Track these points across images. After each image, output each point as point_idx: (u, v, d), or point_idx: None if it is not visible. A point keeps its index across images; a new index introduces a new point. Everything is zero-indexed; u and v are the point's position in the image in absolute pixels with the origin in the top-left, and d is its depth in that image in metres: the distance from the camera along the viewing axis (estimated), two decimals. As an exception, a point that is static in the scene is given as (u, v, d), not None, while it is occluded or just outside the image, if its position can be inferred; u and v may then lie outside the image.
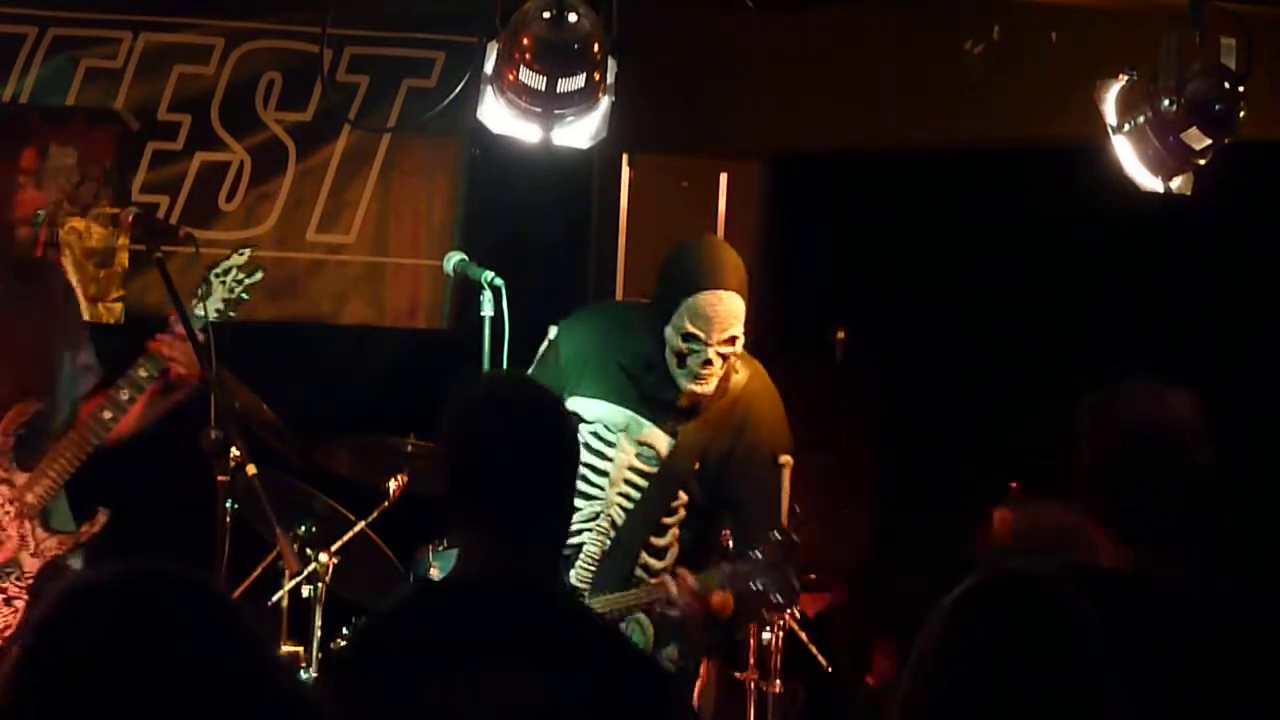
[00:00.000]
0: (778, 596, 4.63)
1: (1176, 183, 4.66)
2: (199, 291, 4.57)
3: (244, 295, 4.61)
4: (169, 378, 4.50)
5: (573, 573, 4.78)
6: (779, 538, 4.65)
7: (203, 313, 4.54)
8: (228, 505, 4.27)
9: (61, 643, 1.63)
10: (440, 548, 5.35)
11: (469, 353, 4.69)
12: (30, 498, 4.46)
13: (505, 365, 4.59)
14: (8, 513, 4.43)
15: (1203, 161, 4.60)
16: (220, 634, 1.64)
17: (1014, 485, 6.83)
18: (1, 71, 5.83)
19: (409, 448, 5.40)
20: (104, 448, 4.52)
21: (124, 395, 4.47)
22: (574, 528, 4.44)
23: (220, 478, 4.26)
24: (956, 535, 6.90)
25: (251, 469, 4.19)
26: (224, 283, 4.58)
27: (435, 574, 5.32)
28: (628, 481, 4.79)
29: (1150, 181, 4.68)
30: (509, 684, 2.70)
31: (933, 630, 2.28)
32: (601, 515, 4.80)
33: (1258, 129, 4.75)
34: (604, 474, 4.77)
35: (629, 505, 4.81)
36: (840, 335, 7.13)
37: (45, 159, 4.65)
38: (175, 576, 1.69)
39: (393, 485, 5.37)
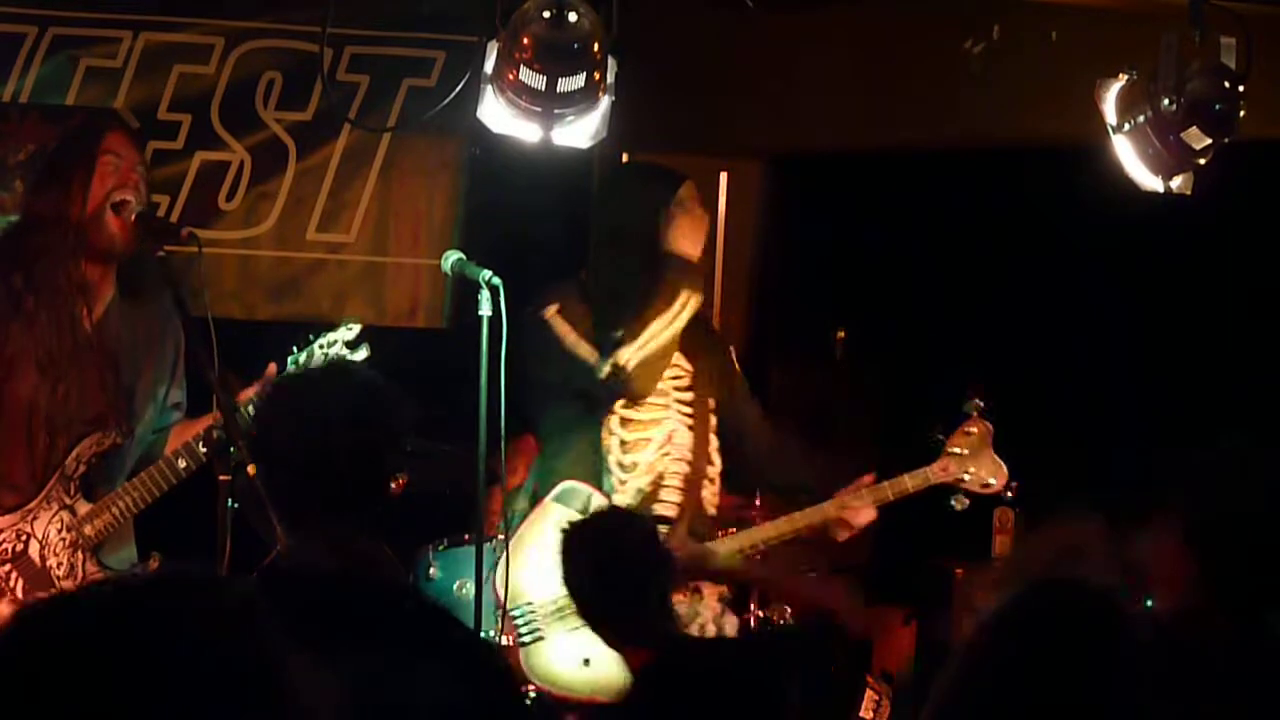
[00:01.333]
0: (990, 480, 5.25)
1: (1176, 182, 4.66)
2: (300, 357, 4.53)
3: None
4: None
5: (664, 495, 5.02)
6: (975, 425, 5.29)
7: None
8: (228, 505, 4.26)
9: (14, 662, 1.60)
10: (441, 547, 5.36)
11: (468, 352, 4.69)
12: (89, 530, 4.41)
13: (504, 365, 4.59)
14: (63, 539, 4.38)
15: (1203, 161, 4.60)
16: (211, 641, 1.62)
17: (1014, 484, 6.83)
18: (2, 71, 5.83)
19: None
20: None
21: (202, 449, 4.42)
22: (651, 455, 4.98)
23: (221, 477, 4.24)
24: (957, 534, 6.91)
25: (252, 468, 4.17)
26: (326, 354, 4.54)
27: (435, 573, 5.32)
28: (679, 401, 5.11)
29: (1150, 181, 4.68)
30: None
31: (975, 640, 2.27)
32: (675, 434, 5.08)
33: (1258, 128, 4.75)
34: (662, 394, 5.07)
35: (689, 422, 5.10)
36: (840, 335, 7.13)
37: (138, 145, 4.55)
38: (168, 576, 1.67)
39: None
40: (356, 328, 4.58)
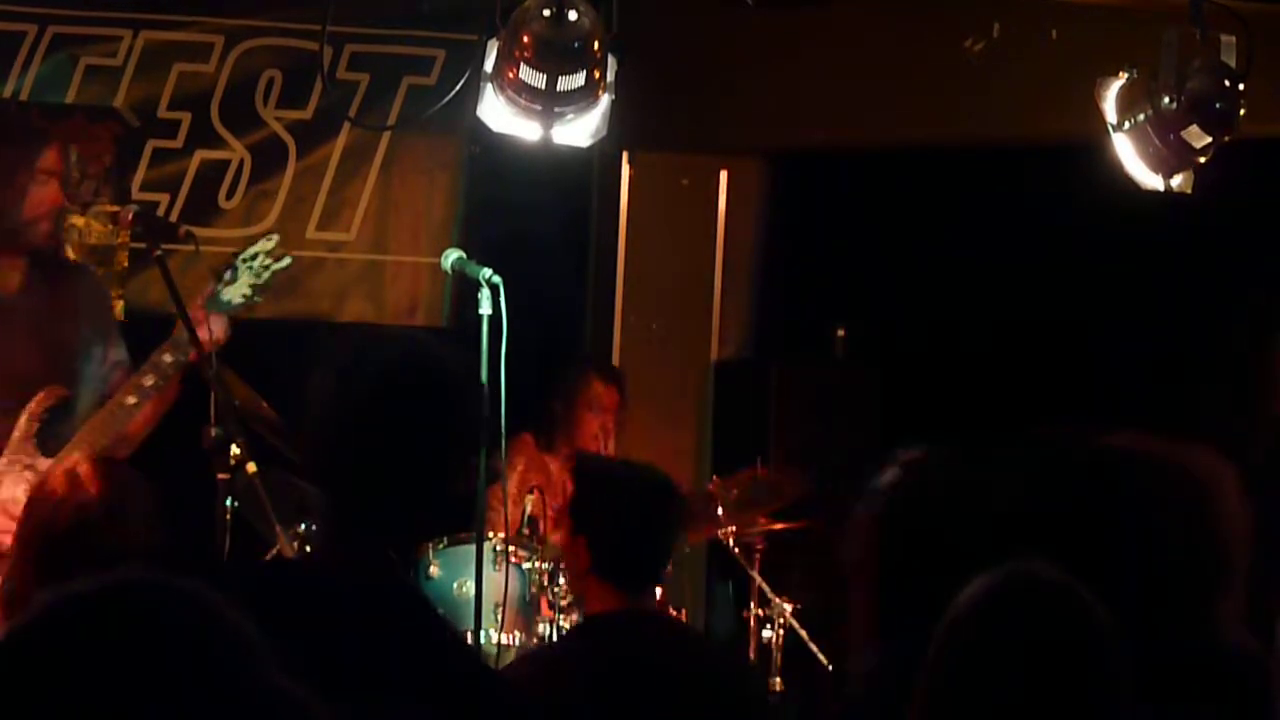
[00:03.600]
0: None
1: (1177, 180, 4.66)
2: (225, 276, 4.57)
3: (269, 282, 4.61)
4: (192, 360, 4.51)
5: None
6: None
7: (227, 298, 4.55)
8: (228, 503, 4.25)
9: (32, 660, 1.60)
10: (441, 546, 5.35)
11: (468, 351, 4.68)
12: None
13: (503, 364, 4.59)
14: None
15: (1203, 159, 4.60)
16: (201, 645, 1.62)
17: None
18: (1, 69, 5.83)
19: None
20: (126, 438, 4.51)
21: (148, 381, 4.46)
22: None
23: (220, 475, 4.24)
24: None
25: (251, 467, 4.16)
26: (251, 268, 4.58)
27: (435, 573, 5.32)
28: None
29: (1151, 179, 4.67)
30: None
31: (947, 630, 2.27)
32: None
33: (1258, 126, 4.75)
34: None
35: None
36: (840, 335, 7.13)
37: (69, 159, 4.66)
38: (155, 586, 1.66)
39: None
40: (276, 238, 4.63)
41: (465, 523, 5.22)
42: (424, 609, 2.56)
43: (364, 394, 2.49)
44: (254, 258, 4.58)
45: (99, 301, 4.76)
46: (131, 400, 4.46)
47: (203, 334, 4.45)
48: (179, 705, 1.55)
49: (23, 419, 4.44)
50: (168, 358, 4.48)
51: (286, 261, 4.62)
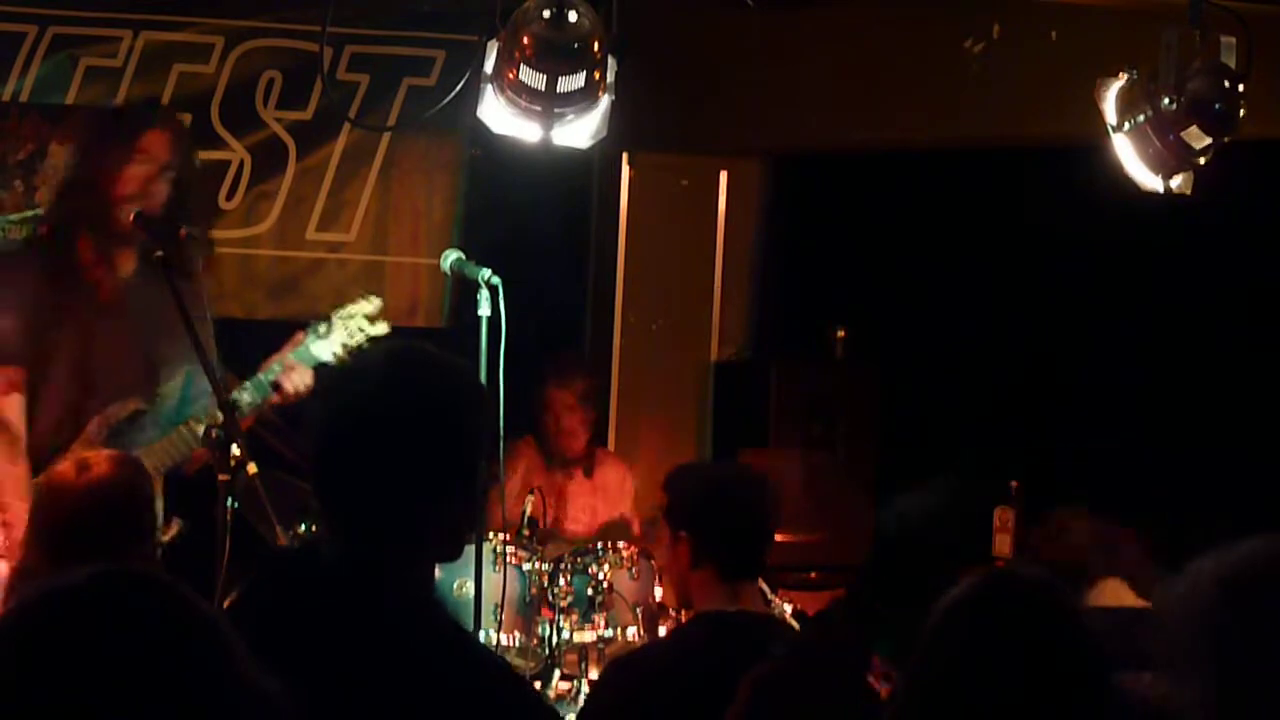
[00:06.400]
0: None
1: (1176, 182, 4.65)
2: (320, 329, 4.61)
3: (364, 344, 4.65)
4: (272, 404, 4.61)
5: None
6: None
7: (316, 352, 4.62)
8: (228, 504, 4.25)
9: (18, 651, 1.61)
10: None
11: (467, 351, 4.68)
12: None
13: (502, 364, 4.59)
14: None
15: (1203, 160, 4.60)
16: (182, 638, 1.62)
17: (1014, 484, 6.84)
18: (2, 70, 5.83)
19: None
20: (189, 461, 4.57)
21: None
22: None
23: (221, 476, 4.24)
24: (956, 534, 6.91)
25: (252, 468, 4.16)
26: (346, 327, 4.63)
27: (435, 573, 5.32)
28: None
29: (1150, 180, 4.67)
30: None
31: (929, 631, 2.28)
32: None
33: (1258, 128, 4.75)
34: None
35: None
36: (840, 335, 7.13)
37: (178, 139, 4.69)
38: (131, 580, 1.67)
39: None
40: (378, 301, 4.69)
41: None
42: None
43: (351, 414, 2.43)
44: (352, 317, 4.63)
45: (197, 320, 4.69)
46: (201, 429, 4.47)
47: (290, 381, 4.53)
48: (152, 697, 1.56)
49: (96, 421, 4.47)
50: (247, 398, 4.52)
51: (381, 327, 4.67)
